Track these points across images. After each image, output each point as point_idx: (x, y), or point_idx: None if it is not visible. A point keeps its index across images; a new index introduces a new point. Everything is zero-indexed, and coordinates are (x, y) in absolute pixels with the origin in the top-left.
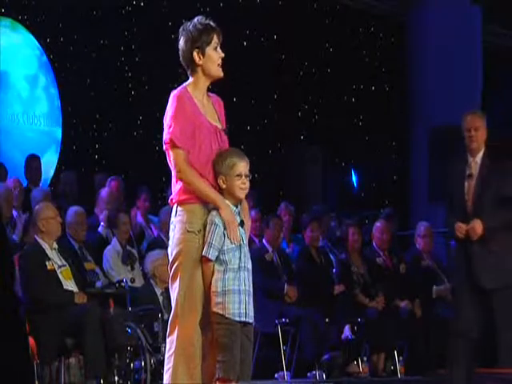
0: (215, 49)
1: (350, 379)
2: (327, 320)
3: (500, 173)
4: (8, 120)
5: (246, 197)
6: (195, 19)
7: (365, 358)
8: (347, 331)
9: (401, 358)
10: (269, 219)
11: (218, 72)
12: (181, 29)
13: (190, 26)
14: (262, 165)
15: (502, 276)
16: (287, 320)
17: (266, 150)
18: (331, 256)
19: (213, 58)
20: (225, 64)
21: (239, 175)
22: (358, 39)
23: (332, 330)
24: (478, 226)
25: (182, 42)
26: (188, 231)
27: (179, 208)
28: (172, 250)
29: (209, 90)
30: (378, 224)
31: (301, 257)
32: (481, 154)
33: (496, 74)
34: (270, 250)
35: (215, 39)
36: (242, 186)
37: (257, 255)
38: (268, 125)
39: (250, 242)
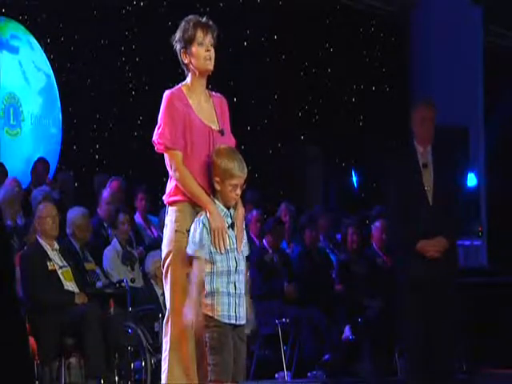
0: (200, 44)
1: (350, 379)
2: (327, 320)
3: (450, 163)
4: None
5: (247, 199)
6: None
7: (365, 358)
8: (348, 331)
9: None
10: (270, 224)
11: (205, 66)
12: None
13: (179, 27)
14: (262, 165)
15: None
16: (287, 320)
17: (266, 150)
18: (331, 256)
19: (198, 53)
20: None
21: (234, 186)
22: (358, 39)
23: (332, 330)
24: (444, 243)
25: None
26: (176, 231)
27: (170, 208)
28: (163, 250)
29: (210, 89)
30: (377, 224)
31: (301, 257)
32: (430, 143)
33: (497, 75)
34: (270, 251)
35: (199, 34)
36: (233, 196)
37: (257, 256)
38: (268, 125)
39: (251, 242)
